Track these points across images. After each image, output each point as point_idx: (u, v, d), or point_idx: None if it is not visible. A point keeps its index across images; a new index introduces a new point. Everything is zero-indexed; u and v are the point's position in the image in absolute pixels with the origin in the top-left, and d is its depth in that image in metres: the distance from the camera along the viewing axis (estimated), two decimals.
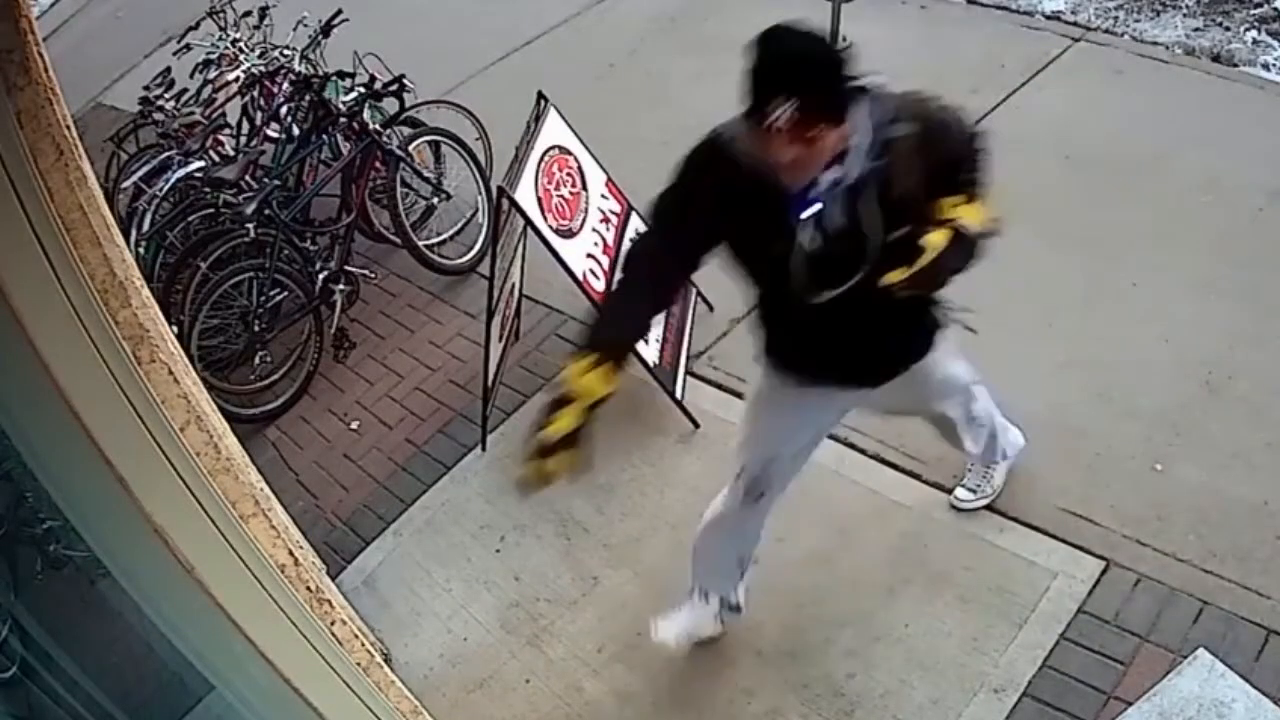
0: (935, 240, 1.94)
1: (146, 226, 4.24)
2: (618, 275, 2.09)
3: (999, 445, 2.82)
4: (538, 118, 3.39)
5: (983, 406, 2.66)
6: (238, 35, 5.32)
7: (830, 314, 2.01)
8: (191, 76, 5.26)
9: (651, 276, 2.06)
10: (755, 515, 2.53)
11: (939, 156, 1.96)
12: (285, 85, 4.70)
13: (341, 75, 4.55)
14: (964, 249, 1.99)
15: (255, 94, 4.94)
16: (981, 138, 2.11)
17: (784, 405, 2.35)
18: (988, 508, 2.94)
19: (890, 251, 1.94)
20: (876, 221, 1.91)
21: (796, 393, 2.29)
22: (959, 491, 2.95)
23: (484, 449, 3.62)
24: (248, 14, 5.49)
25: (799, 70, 1.78)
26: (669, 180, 2.03)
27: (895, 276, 1.95)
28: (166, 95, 4.99)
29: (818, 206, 1.90)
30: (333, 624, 1.88)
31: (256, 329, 4.09)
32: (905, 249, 1.94)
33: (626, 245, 2.17)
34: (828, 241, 1.92)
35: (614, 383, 1.94)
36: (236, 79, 4.93)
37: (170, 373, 1.54)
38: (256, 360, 4.15)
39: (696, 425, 3.42)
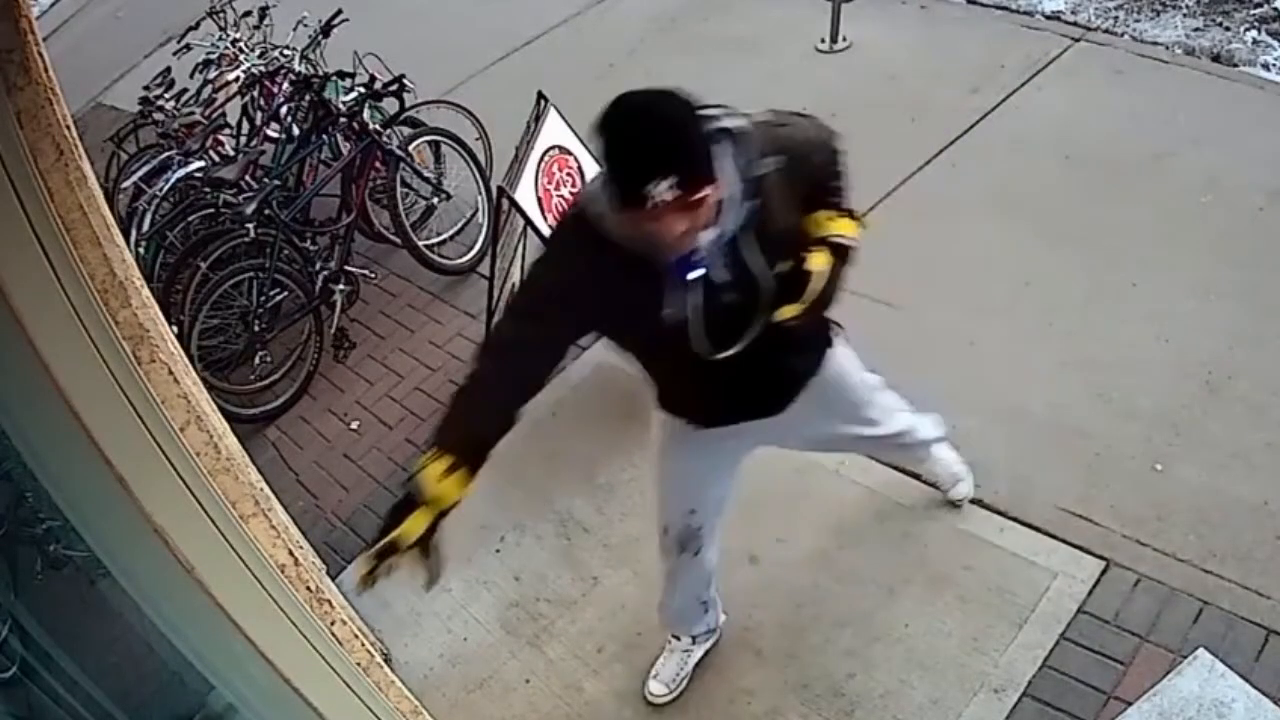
0: (819, 263, 1.91)
1: (146, 226, 4.24)
2: (475, 365, 1.88)
3: (929, 431, 2.78)
4: (538, 117, 3.39)
5: (903, 418, 2.62)
6: (238, 35, 5.32)
7: (741, 360, 1.95)
8: (191, 76, 5.27)
9: (518, 368, 1.87)
10: (698, 565, 2.50)
11: (807, 180, 1.91)
12: (285, 85, 4.71)
13: (341, 75, 4.55)
14: (843, 265, 1.96)
15: (255, 94, 4.94)
16: (838, 141, 2.03)
17: (692, 452, 2.29)
18: (987, 507, 2.95)
19: (779, 286, 1.90)
20: (763, 263, 1.86)
21: (701, 436, 2.23)
22: (955, 491, 2.94)
23: None
24: (248, 14, 5.50)
25: (671, 144, 1.64)
26: (536, 263, 1.89)
27: (790, 311, 1.91)
28: (166, 95, 4.99)
29: (701, 271, 1.81)
30: (333, 624, 1.88)
31: (256, 329, 4.09)
32: (793, 280, 1.91)
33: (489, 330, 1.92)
34: (720, 296, 1.86)
35: (468, 487, 1.78)
36: (236, 79, 4.93)
37: (170, 373, 1.54)
38: (256, 360, 4.15)
39: None
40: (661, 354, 2.04)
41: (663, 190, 1.61)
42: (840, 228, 1.98)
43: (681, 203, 1.64)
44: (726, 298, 1.86)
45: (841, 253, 1.97)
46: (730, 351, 1.92)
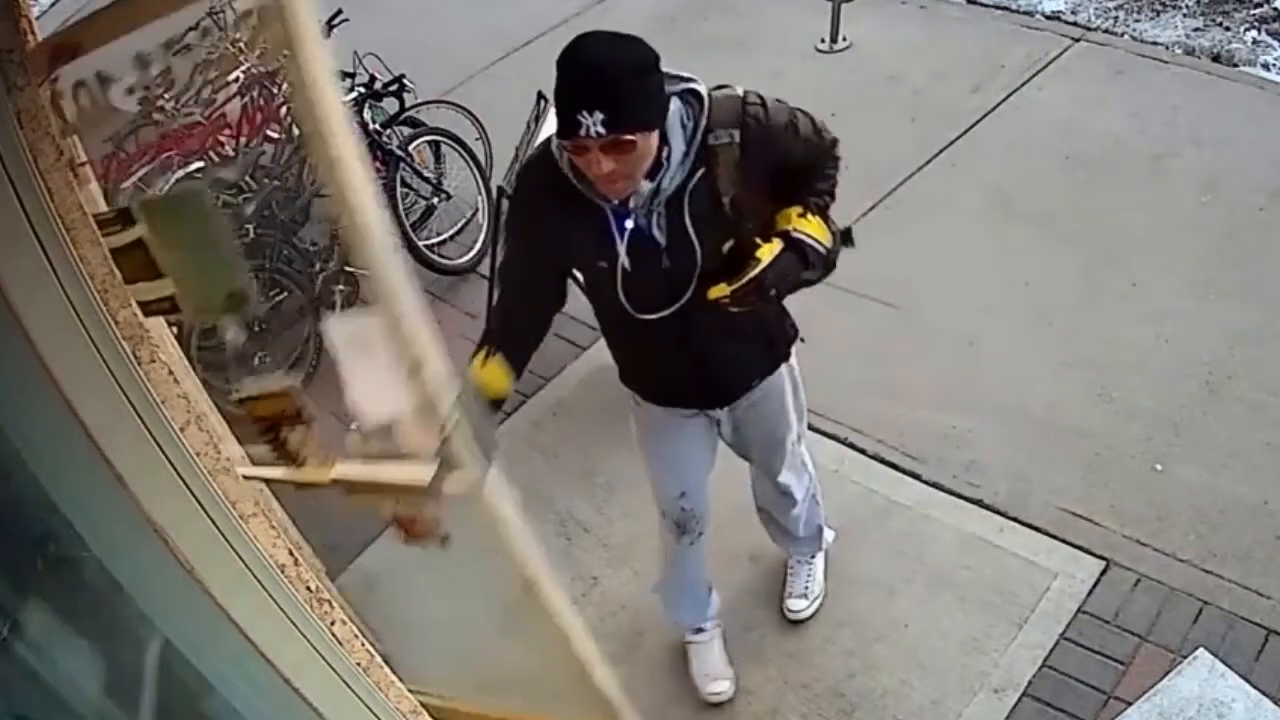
0: (767, 252, 1.90)
1: None
2: (497, 289, 2.03)
3: (820, 519, 2.73)
4: (537, 118, 3.39)
5: (810, 483, 2.59)
6: (238, 35, 5.32)
7: (672, 330, 1.97)
8: (191, 76, 5.26)
9: (526, 286, 1.97)
10: (695, 553, 2.53)
11: (773, 165, 1.89)
12: (285, 85, 4.70)
13: (341, 75, 4.55)
14: (797, 262, 1.93)
15: (255, 94, 4.94)
16: (830, 141, 2.01)
17: (666, 436, 2.31)
18: (987, 508, 2.95)
19: (721, 264, 1.90)
20: (701, 232, 1.86)
21: (668, 418, 2.26)
22: (791, 602, 2.80)
23: None
24: (248, 14, 5.49)
25: (601, 81, 1.66)
26: (510, 201, 1.97)
27: (720, 290, 1.90)
28: (166, 95, 4.98)
29: (631, 223, 1.84)
30: (333, 624, 1.88)
31: (256, 329, 4.08)
32: (737, 261, 1.90)
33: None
34: (654, 256, 1.87)
35: (509, 381, 1.87)
36: (236, 79, 4.93)
37: (170, 373, 1.54)
38: (256, 361, 4.15)
39: None
40: (607, 312, 2.05)
41: (593, 123, 1.63)
42: (807, 227, 1.95)
43: (610, 141, 1.66)
44: (661, 260, 1.88)
45: (800, 250, 1.94)
46: (654, 315, 1.94)
